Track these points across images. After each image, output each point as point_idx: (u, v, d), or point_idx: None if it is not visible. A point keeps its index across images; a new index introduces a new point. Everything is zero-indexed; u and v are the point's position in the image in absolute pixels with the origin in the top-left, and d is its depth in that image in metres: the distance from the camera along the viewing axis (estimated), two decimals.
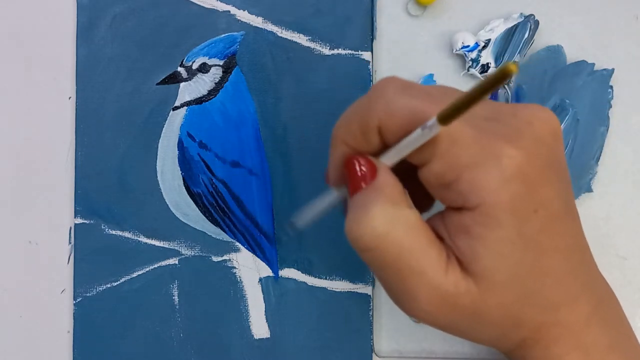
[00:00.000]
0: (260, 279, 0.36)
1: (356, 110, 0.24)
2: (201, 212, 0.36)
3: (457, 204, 0.22)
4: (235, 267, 0.36)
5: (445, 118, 0.20)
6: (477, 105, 0.19)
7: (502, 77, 0.17)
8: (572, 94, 0.35)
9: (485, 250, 0.21)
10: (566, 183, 0.24)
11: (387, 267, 0.22)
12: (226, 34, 0.37)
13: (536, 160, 0.21)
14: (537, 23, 0.36)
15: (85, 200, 0.37)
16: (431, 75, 0.36)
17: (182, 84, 0.37)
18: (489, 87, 0.18)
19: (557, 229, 0.23)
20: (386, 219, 0.22)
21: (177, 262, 0.36)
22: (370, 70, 0.36)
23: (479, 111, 0.22)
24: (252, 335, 0.36)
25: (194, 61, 0.37)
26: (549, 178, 0.22)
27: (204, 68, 0.37)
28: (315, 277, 0.36)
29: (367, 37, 0.37)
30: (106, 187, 0.37)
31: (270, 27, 0.37)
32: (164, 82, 0.37)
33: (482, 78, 0.36)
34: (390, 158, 0.24)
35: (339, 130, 0.25)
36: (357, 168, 0.24)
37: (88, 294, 0.36)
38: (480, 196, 0.21)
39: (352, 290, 0.36)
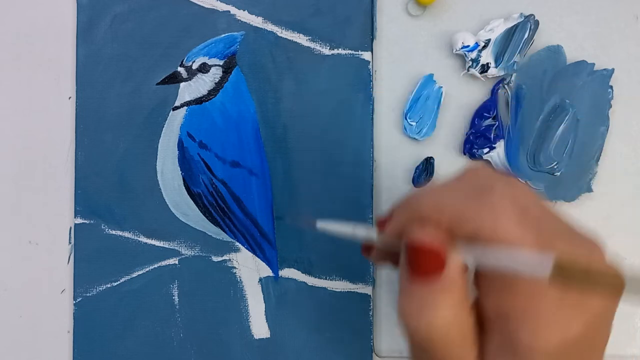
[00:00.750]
0: (260, 279, 0.36)
1: (457, 204, 0.22)
2: (201, 212, 0.36)
3: (502, 334, 0.22)
4: (235, 267, 0.36)
5: (562, 275, 0.19)
6: (558, 238, 0.20)
7: None
8: (572, 94, 0.35)
9: None
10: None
11: (429, 353, 0.22)
12: (226, 34, 0.37)
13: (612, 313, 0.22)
14: (537, 23, 0.36)
15: (85, 200, 0.37)
16: (431, 75, 0.36)
17: (182, 84, 0.37)
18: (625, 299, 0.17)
19: None
20: (449, 320, 0.21)
21: (177, 262, 0.36)
22: (370, 70, 0.36)
23: (558, 246, 0.21)
24: (252, 335, 0.36)
25: (194, 61, 0.37)
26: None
27: (204, 68, 0.37)
28: (315, 277, 0.36)
29: (367, 37, 0.37)
30: (106, 187, 0.37)
31: (270, 27, 0.37)
32: (164, 82, 0.37)
33: (482, 79, 0.36)
34: (465, 257, 0.22)
35: (427, 208, 0.22)
36: (429, 256, 0.22)
37: (88, 294, 0.36)
38: (530, 353, 0.21)
39: (352, 290, 0.36)
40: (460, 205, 0.22)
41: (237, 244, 0.36)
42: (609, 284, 0.17)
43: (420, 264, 0.22)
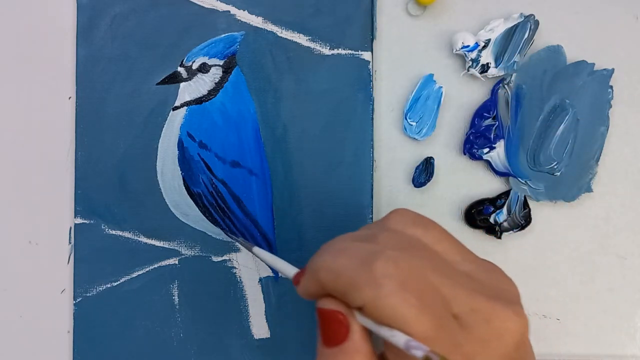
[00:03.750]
0: (260, 279, 0.36)
1: (349, 272, 0.23)
2: (201, 212, 0.36)
3: None
4: (235, 267, 0.36)
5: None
6: (455, 297, 0.22)
7: None
8: (572, 94, 0.35)
9: None
10: None
11: None
12: (226, 34, 0.37)
13: None
14: (537, 23, 0.36)
15: (85, 200, 0.37)
16: (431, 75, 0.36)
17: (182, 84, 0.37)
18: None
19: None
20: None
21: (177, 262, 0.36)
22: (370, 70, 0.36)
23: (455, 307, 0.22)
24: (252, 335, 0.36)
25: (194, 61, 0.37)
26: None
27: (204, 68, 0.37)
28: None
29: (367, 37, 0.37)
30: (106, 187, 0.37)
31: (270, 27, 0.37)
32: (164, 82, 0.37)
33: (482, 79, 0.36)
34: (367, 324, 0.23)
35: (324, 275, 0.24)
36: (335, 326, 0.23)
37: (88, 294, 0.36)
38: None
39: None
40: (352, 273, 0.23)
41: (237, 244, 0.36)
42: None
43: (327, 331, 0.24)
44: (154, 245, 0.36)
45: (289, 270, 0.28)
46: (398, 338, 0.21)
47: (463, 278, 0.24)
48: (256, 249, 0.31)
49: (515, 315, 0.23)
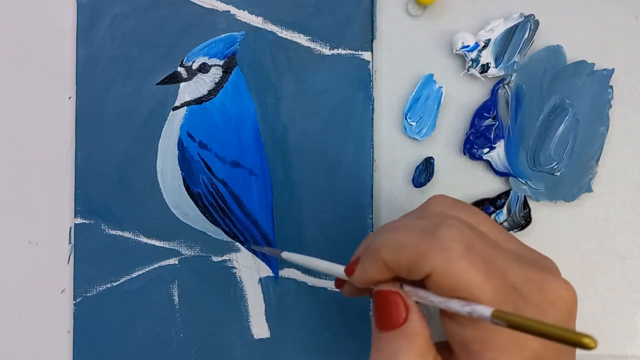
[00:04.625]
0: (260, 279, 0.36)
1: (411, 245, 0.23)
2: (201, 212, 0.36)
3: None
4: (235, 267, 0.36)
5: (501, 319, 0.20)
6: (509, 268, 0.22)
7: (577, 343, 0.18)
8: (572, 94, 0.35)
9: None
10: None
11: None
12: (226, 34, 0.37)
13: (552, 347, 0.23)
14: (537, 23, 0.36)
15: (85, 200, 0.37)
16: (431, 75, 0.36)
17: (182, 84, 0.37)
18: (559, 339, 0.19)
19: None
20: None
21: (177, 262, 0.36)
22: (370, 70, 0.36)
23: (511, 277, 0.23)
24: (252, 335, 0.36)
25: (194, 61, 0.37)
26: None
27: (204, 68, 0.37)
28: (315, 277, 0.36)
29: (367, 37, 0.37)
30: (106, 187, 0.37)
31: (270, 27, 0.37)
32: (164, 82, 0.37)
33: (482, 79, 0.36)
34: (423, 299, 0.24)
35: (386, 252, 0.24)
36: (393, 309, 0.24)
37: (88, 294, 0.36)
38: None
39: None
40: (417, 242, 0.23)
41: (237, 244, 0.36)
42: (539, 330, 0.19)
43: (386, 313, 0.24)
44: (154, 245, 0.36)
45: (331, 266, 0.28)
46: (469, 307, 0.21)
47: (511, 253, 0.24)
48: (285, 254, 0.31)
49: (566, 284, 0.23)
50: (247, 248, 0.36)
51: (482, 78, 0.36)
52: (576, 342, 0.18)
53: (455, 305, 0.22)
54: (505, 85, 0.36)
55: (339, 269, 0.27)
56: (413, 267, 0.23)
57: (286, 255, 0.30)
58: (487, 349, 0.22)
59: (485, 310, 0.21)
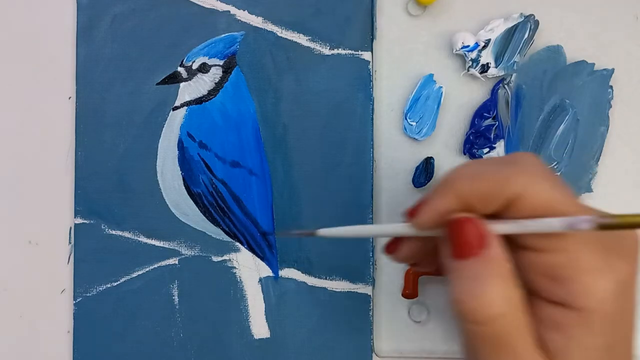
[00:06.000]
0: (260, 279, 0.36)
1: (492, 172, 0.23)
2: (201, 212, 0.36)
3: (558, 298, 0.22)
4: (235, 267, 0.36)
5: (605, 227, 0.20)
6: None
7: None
8: (572, 94, 0.35)
9: (578, 352, 0.22)
10: None
11: (488, 341, 0.23)
12: (226, 34, 0.37)
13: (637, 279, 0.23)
14: (537, 23, 0.36)
15: (85, 200, 0.37)
16: (431, 75, 0.36)
17: (182, 84, 0.37)
18: None
19: (632, 342, 0.24)
20: (503, 299, 0.22)
21: (177, 262, 0.36)
22: (370, 70, 0.36)
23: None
24: (252, 335, 0.36)
25: (194, 61, 0.37)
26: None
27: (204, 68, 0.37)
28: (315, 277, 0.36)
29: (367, 37, 0.37)
30: (106, 187, 0.37)
31: (270, 27, 0.37)
32: (164, 82, 0.37)
33: (482, 79, 0.36)
34: (504, 229, 0.23)
35: (462, 182, 0.23)
36: (472, 233, 0.23)
37: (88, 294, 0.36)
38: (590, 301, 0.22)
39: (352, 290, 0.36)
40: (497, 171, 0.23)
41: (237, 244, 0.36)
42: None
43: (464, 243, 0.23)
44: (154, 245, 0.36)
45: (383, 226, 0.27)
46: (569, 220, 0.21)
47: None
48: (323, 230, 0.28)
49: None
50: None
51: (482, 78, 0.36)
52: None
53: (551, 223, 0.21)
54: (505, 85, 0.36)
55: (394, 226, 0.25)
56: (493, 194, 0.22)
57: (324, 231, 0.28)
58: (580, 272, 0.22)
59: (589, 219, 0.20)
